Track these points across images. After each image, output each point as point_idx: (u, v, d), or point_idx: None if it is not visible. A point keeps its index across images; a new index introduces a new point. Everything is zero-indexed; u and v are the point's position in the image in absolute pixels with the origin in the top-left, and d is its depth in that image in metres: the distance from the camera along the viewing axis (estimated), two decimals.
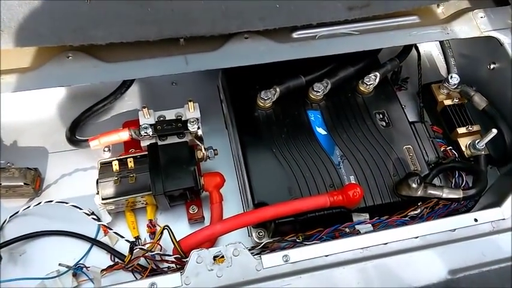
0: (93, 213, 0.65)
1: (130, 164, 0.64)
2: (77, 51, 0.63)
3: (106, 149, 0.73)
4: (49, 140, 0.74)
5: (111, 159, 0.65)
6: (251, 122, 0.68)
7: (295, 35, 0.69)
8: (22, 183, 0.63)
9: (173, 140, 0.69)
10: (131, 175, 0.63)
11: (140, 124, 0.69)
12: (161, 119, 0.71)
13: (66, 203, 0.63)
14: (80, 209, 0.63)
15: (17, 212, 0.65)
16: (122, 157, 0.65)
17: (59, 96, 0.80)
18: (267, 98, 0.68)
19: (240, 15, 0.66)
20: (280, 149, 0.64)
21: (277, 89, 0.69)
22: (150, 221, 0.66)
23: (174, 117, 0.71)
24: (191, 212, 0.68)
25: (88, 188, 0.68)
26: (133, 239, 0.65)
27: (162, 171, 0.63)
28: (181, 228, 0.66)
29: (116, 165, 0.63)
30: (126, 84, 0.76)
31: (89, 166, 0.72)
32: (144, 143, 0.70)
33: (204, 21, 0.65)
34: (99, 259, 0.64)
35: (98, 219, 0.65)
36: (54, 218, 0.66)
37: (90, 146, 0.68)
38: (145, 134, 0.68)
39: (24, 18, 0.60)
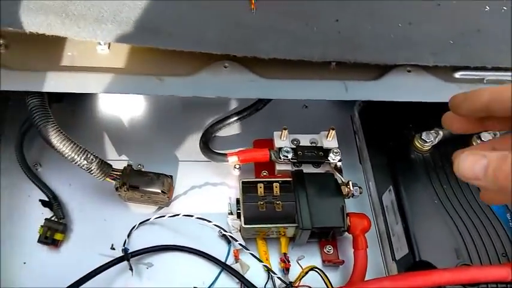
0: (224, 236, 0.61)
1: (276, 189, 0.59)
2: (233, 61, 0.60)
3: (237, 167, 0.68)
4: (179, 148, 0.71)
5: (254, 179, 0.60)
6: (407, 164, 0.61)
7: (457, 75, 0.63)
8: (160, 191, 0.60)
9: (308, 169, 0.64)
10: (277, 202, 0.58)
11: (278, 146, 0.65)
12: (295, 143, 0.67)
13: (209, 221, 0.59)
14: (225, 231, 0.59)
15: (148, 220, 0.61)
16: (266, 179, 0.60)
17: (188, 103, 0.77)
18: (429, 141, 0.61)
19: (411, 47, 0.61)
20: (442, 201, 0.57)
21: (440, 132, 0.62)
22: (285, 254, 0.60)
23: (308, 143, 0.67)
24: (326, 253, 0.62)
25: (216, 204, 0.65)
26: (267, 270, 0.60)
27: (309, 204, 0.58)
28: None
29: (261, 188, 0.58)
30: (263, 102, 0.71)
31: (219, 181, 0.68)
32: (279, 167, 0.65)
33: (371, 48, 0.60)
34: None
35: (229, 242, 0.61)
36: (180, 232, 0.62)
37: (228, 161, 0.64)
38: (285, 158, 0.63)
39: (191, 21, 0.57)
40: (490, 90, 0.30)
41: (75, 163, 0.56)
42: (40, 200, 0.62)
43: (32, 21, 0.53)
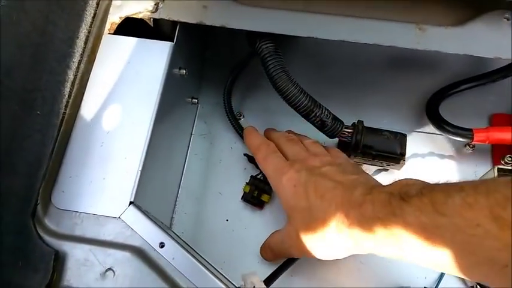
0: None
1: None
2: None
3: (471, 145, 0.56)
4: (394, 112, 0.59)
5: None
6: None
7: None
8: (399, 152, 0.50)
9: None
10: None
11: None
12: None
13: None
14: None
15: None
16: None
17: (401, 57, 0.64)
18: None
19: None
20: None
21: None
22: None
23: None
24: None
25: None
26: None
27: None
28: None
29: None
30: None
31: (442, 160, 0.56)
32: None
33: None
34: None
35: None
36: None
37: (473, 138, 0.51)
38: None
39: None
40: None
41: (311, 117, 0.49)
42: (245, 155, 0.57)
43: None
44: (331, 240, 0.38)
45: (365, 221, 0.35)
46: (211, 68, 0.65)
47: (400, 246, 0.33)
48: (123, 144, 0.42)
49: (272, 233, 0.48)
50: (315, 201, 0.39)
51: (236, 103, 0.61)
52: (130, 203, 0.40)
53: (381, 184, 0.39)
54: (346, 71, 0.63)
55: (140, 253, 0.38)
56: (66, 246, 0.38)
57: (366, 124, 0.55)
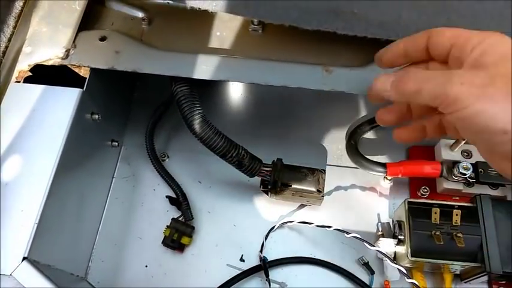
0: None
1: (457, 217, 0.46)
2: None
3: (389, 178, 0.57)
4: (317, 148, 0.60)
5: (424, 201, 0.48)
6: None
7: None
8: (315, 189, 0.51)
9: (482, 190, 0.51)
10: (458, 234, 0.45)
11: (450, 159, 0.52)
12: (466, 155, 0.54)
13: (364, 240, 0.47)
14: (384, 255, 0.47)
15: (288, 222, 0.53)
16: (442, 203, 0.48)
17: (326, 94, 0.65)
18: None
19: None
20: None
21: None
22: None
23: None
24: None
25: (360, 223, 0.55)
26: None
27: (499, 240, 0.45)
28: None
29: (436, 214, 0.46)
30: None
31: (362, 193, 0.57)
32: (447, 185, 0.53)
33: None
34: None
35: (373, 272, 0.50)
36: (317, 243, 0.53)
37: (387, 172, 0.52)
38: (461, 176, 0.51)
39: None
40: (404, 38, 0.35)
41: (227, 157, 0.49)
42: (167, 197, 0.56)
43: None
44: None
45: None
46: (139, 109, 0.64)
47: None
48: (21, 196, 0.41)
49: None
50: None
51: (161, 144, 0.61)
52: (24, 258, 0.38)
53: None
54: (276, 108, 0.64)
55: None
56: None
57: (290, 161, 0.55)
